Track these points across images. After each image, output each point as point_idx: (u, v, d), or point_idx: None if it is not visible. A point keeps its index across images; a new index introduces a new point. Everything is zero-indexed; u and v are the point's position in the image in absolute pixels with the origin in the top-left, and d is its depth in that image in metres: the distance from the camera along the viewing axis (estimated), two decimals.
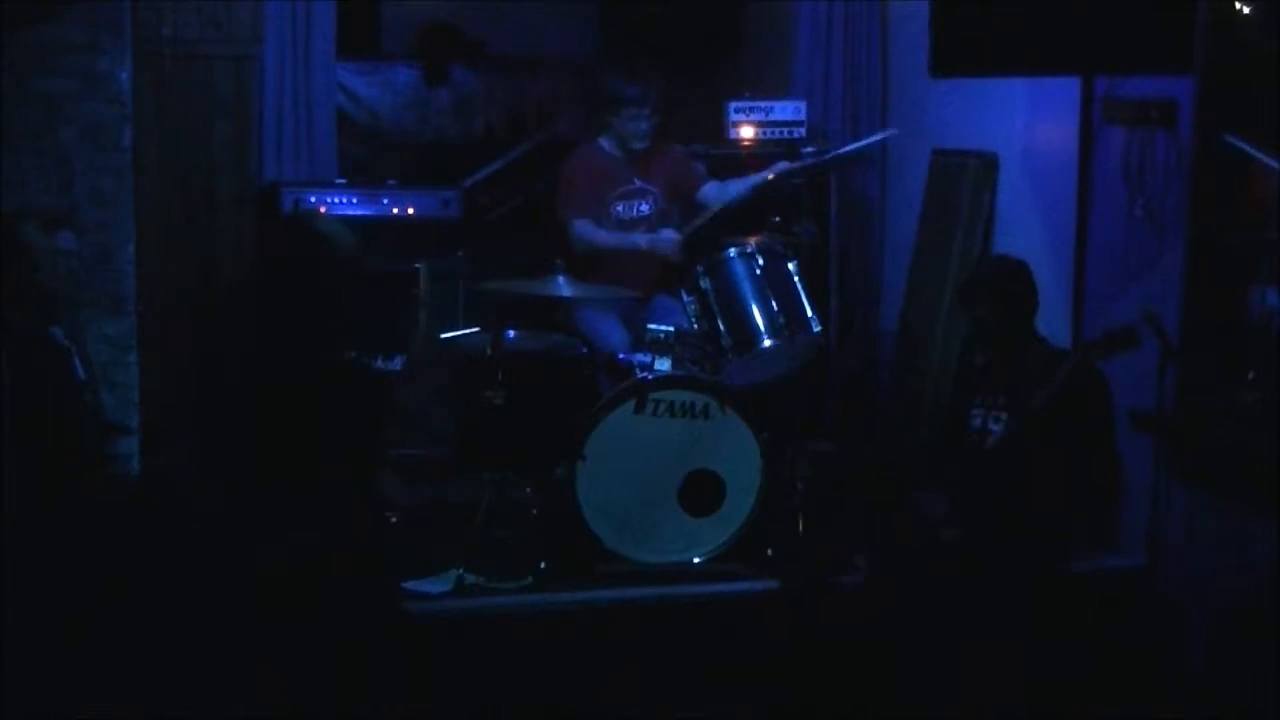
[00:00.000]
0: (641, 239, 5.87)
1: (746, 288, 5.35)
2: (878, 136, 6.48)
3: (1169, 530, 4.66)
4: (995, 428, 4.64)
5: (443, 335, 5.51)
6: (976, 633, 4.27)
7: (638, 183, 6.00)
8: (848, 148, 6.41)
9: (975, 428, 4.71)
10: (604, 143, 6.02)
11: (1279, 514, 4.26)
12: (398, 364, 5.80)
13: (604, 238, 5.86)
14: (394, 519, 4.91)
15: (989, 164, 6.18)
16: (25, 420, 4.01)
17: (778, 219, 5.86)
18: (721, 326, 5.32)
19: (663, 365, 5.17)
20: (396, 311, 5.43)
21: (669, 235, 5.88)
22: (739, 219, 6.28)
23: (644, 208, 6.00)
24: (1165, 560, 4.64)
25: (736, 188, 6.04)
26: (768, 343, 5.32)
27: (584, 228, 5.86)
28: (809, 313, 5.42)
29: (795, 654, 4.54)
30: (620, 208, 5.97)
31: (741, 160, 6.52)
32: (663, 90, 5.99)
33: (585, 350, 5.56)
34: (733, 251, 5.40)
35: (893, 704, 4.26)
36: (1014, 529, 4.44)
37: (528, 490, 5.24)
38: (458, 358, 5.48)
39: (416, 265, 4.99)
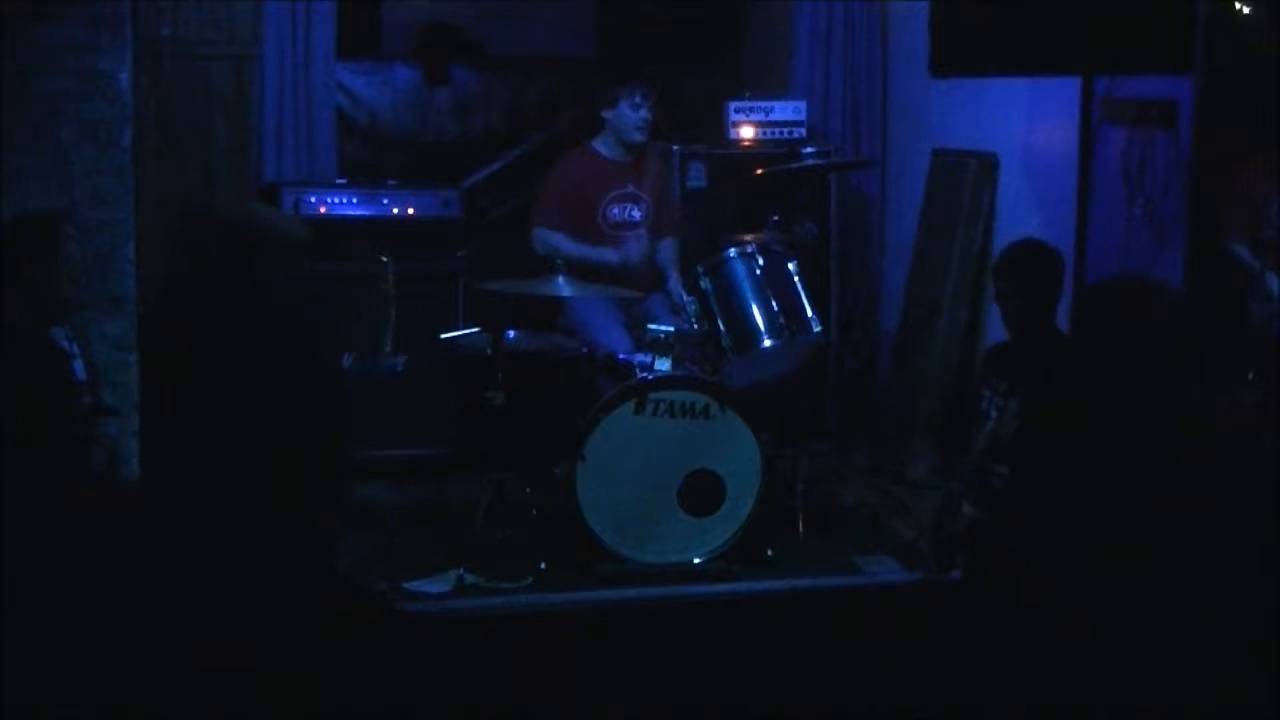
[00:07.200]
0: (611, 254, 5.87)
1: (746, 288, 5.35)
2: None
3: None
4: (994, 414, 4.66)
5: (443, 335, 5.51)
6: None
7: (631, 187, 6.01)
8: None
9: (982, 409, 4.75)
10: (599, 145, 6.03)
11: (1279, 513, 4.26)
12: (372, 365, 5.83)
13: (568, 248, 5.83)
14: (391, 524, 4.93)
15: (989, 164, 6.19)
16: (21, 420, 4.00)
17: (777, 219, 5.86)
18: (721, 326, 5.32)
19: (663, 365, 5.18)
20: (372, 312, 5.43)
21: (637, 247, 5.88)
22: (738, 219, 6.29)
23: (635, 213, 6.02)
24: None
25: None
26: (768, 343, 5.32)
27: (544, 235, 5.88)
28: (809, 313, 5.41)
29: (795, 654, 4.53)
30: (615, 210, 5.98)
31: (741, 160, 6.53)
32: (658, 91, 6.00)
33: (585, 350, 5.57)
34: (733, 251, 5.40)
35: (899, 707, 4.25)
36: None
37: (528, 490, 5.24)
38: (453, 358, 5.49)
39: (383, 259, 4.98)
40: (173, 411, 3.81)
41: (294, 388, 3.83)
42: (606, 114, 5.95)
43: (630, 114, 5.89)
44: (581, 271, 5.54)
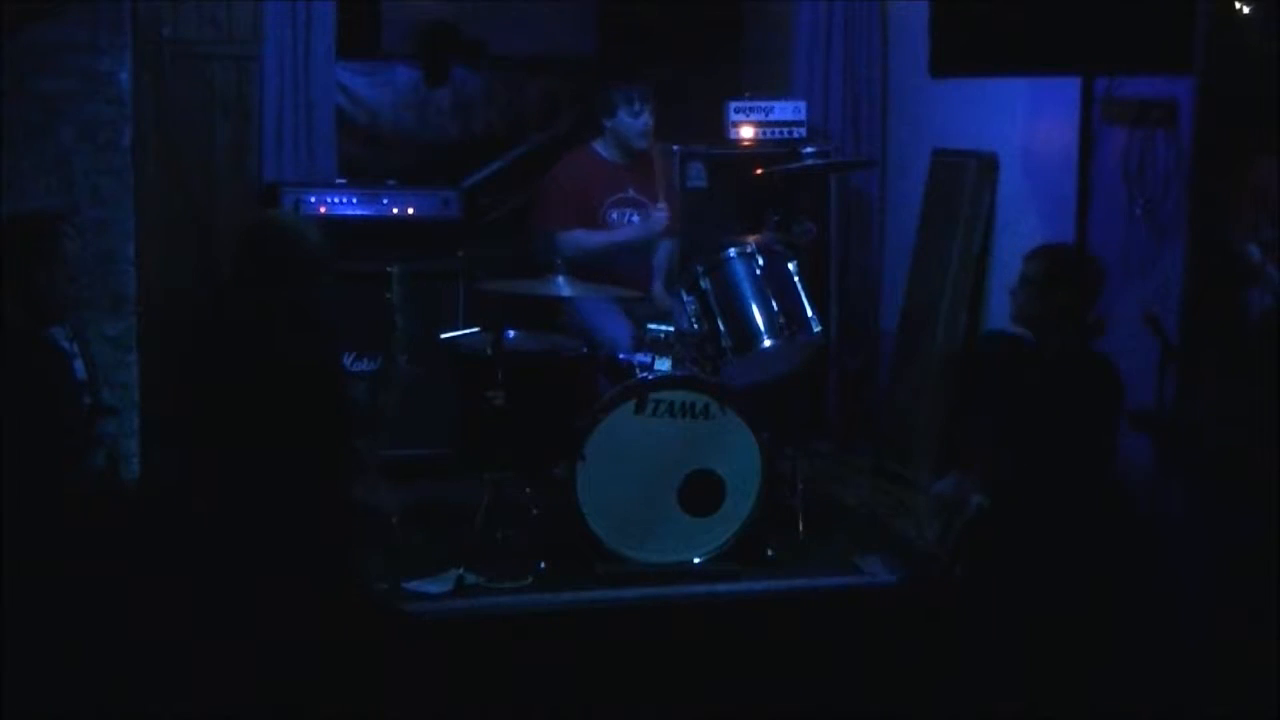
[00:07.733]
0: (633, 230, 5.93)
1: (746, 288, 5.35)
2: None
3: (1169, 529, 4.66)
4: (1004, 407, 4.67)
5: (443, 335, 5.51)
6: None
7: (631, 191, 6.01)
8: None
9: (991, 402, 4.77)
10: (599, 148, 6.03)
11: (1279, 513, 4.26)
12: (369, 365, 5.83)
13: (597, 240, 5.87)
14: (395, 519, 4.93)
15: (989, 164, 6.19)
16: (21, 420, 4.00)
17: (778, 219, 5.86)
18: (721, 326, 5.32)
19: (663, 365, 5.18)
20: (371, 312, 5.43)
21: (660, 214, 5.90)
22: (739, 219, 6.28)
23: (634, 218, 6.01)
24: (1165, 558, 4.63)
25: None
26: (768, 343, 5.32)
27: (570, 237, 5.87)
28: (809, 313, 5.41)
29: (795, 654, 4.54)
30: (614, 215, 5.98)
31: (741, 160, 6.52)
32: (656, 93, 6.00)
33: (585, 350, 5.56)
34: (733, 251, 5.40)
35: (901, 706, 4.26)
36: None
37: (528, 490, 5.24)
38: (453, 358, 5.49)
39: (388, 269, 4.97)
40: (196, 407, 3.82)
41: (309, 387, 3.86)
42: (607, 123, 5.97)
43: (631, 121, 5.90)
44: (582, 271, 5.54)
